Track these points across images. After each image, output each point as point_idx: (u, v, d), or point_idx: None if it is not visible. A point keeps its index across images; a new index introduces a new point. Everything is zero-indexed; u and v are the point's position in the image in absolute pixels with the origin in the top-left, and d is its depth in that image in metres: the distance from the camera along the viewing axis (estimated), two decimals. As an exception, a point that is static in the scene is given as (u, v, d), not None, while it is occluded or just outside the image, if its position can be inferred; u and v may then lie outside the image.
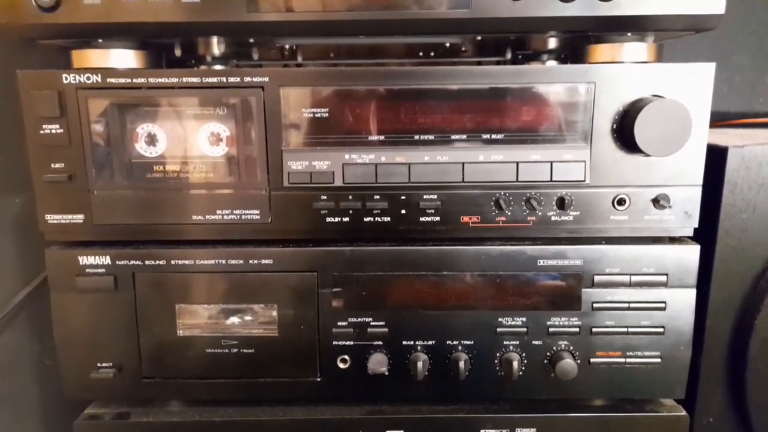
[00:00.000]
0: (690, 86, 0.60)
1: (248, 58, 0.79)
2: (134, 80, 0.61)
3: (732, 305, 0.69)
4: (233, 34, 0.66)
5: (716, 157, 0.65)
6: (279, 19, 0.59)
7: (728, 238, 0.67)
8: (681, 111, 0.58)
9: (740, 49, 0.90)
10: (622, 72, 0.60)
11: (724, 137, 0.73)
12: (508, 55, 0.79)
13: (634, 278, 0.64)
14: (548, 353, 0.65)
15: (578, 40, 0.68)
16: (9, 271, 0.78)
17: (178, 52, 0.71)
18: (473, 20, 0.59)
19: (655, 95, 0.60)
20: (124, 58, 0.65)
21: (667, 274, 0.64)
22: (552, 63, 0.77)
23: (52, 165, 0.63)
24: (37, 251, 0.67)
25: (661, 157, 0.61)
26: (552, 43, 0.72)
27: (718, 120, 0.90)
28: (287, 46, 0.78)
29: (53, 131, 0.62)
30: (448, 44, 0.75)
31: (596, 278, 0.64)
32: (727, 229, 0.67)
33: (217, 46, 0.71)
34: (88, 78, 0.61)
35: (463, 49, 0.82)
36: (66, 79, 0.61)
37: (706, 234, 0.66)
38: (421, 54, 0.86)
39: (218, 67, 0.74)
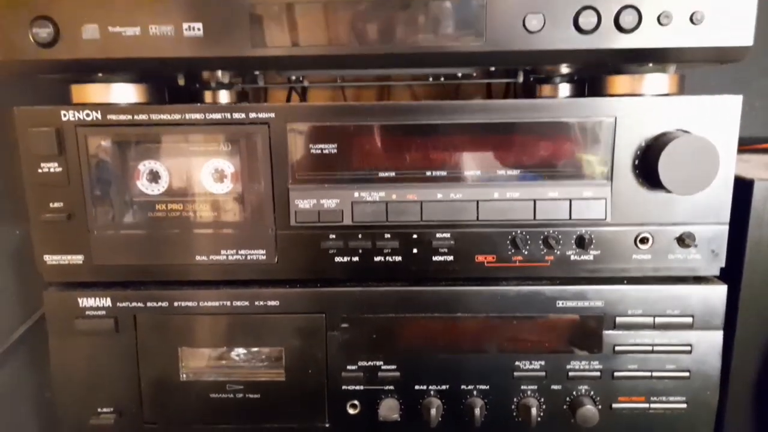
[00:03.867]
0: (716, 120, 0.58)
1: (253, 83, 0.77)
2: (135, 117, 0.59)
3: (758, 346, 0.66)
4: (238, 68, 0.64)
5: (741, 190, 0.62)
6: (284, 54, 0.57)
7: (754, 275, 0.64)
8: (708, 147, 0.55)
9: (761, 73, 0.87)
10: (644, 105, 0.58)
11: (747, 166, 0.70)
12: (520, 78, 0.76)
13: (658, 320, 0.61)
14: (568, 398, 0.63)
15: (595, 68, 0.65)
16: (9, 302, 0.76)
17: (181, 81, 0.69)
18: (487, 53, 0.56)
19: (678, 129, 0.57)
20: (125, 92, 0.63)
21: (692, 316, 0.61)
22: (565, 86, 0.74)
23: (51, 204, 0.61)
24: (37, 283, 0.65)
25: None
26: (565, 67, 0.69)
27: (739, 145, 0.87)
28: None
29: (51, 170, 0.60)
30: (459, 74, 0.73)
31: (618, 320, 0.61)
32: (753, 267, 0.64)
33: (221, 75, 0.68)
34: (88, 115, 0.59)
35: (474, 72, 0.79)
36: (65, 115, 0.59)
37: (730, 271, 0.63)
38: (430, 79, 0.84)
39: (223, 92, 0.72)
